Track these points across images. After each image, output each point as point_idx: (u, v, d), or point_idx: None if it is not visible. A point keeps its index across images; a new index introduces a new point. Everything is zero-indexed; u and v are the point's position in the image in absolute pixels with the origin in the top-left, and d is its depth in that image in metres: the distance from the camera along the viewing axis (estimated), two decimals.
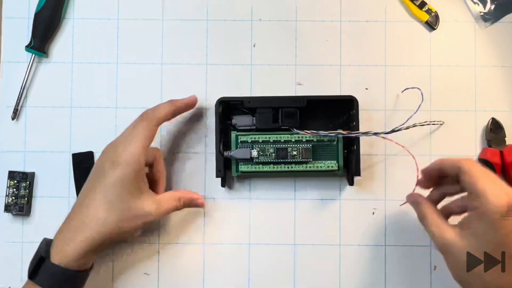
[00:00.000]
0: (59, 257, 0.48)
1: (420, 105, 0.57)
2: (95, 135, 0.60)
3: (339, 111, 0.59)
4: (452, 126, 0.60)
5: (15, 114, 0.59)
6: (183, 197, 0.54)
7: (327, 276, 0.58)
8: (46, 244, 0.49)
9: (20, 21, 0.61)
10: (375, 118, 0.60)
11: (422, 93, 0.57)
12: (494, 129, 0.59)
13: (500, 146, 0.59)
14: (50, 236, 0.51)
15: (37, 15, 0.59)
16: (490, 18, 0.61)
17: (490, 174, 0.44)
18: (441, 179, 0.50)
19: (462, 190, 0.47)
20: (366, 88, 0.60)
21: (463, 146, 0.60)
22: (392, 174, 0.59)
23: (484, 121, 0.60)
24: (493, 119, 0.59)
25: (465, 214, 0.45)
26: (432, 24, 0.60)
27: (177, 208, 0.54)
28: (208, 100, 0.59)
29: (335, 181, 0.59)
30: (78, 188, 0.58)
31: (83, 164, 0.59)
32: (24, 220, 0.59)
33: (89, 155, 0.59)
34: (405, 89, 0.59)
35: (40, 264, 0.48)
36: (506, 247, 0.42)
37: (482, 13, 0.61)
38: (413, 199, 0.50)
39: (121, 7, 0.61)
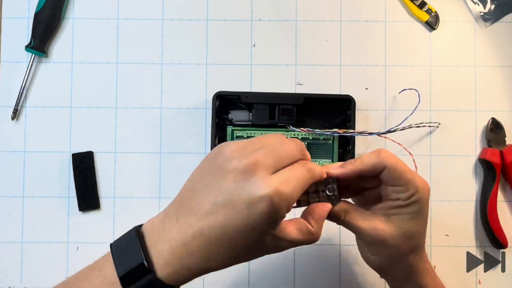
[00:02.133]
0: (170, 276, 0.38)
1: (416, 106, 0.57)
2: (95, 135, 0.60)
3: (337, 111, 0.59)
4: (452, 126, 0.60)
5: (15, 114, 0.59)
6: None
7: (327, 276, 0.58)
8: (140, 238, 0.38)
9: (20, 21, 0.60)
10: (375, 118, 0.60)
11: (419, 94, 0.57)
12: (494, 129, 0.59)
13: (500, 146, 0.59)
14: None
15: (37, 15, 0.59)
16: (490, 18, 0.61)
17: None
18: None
19: (379, 182, 0.45)
20: (366, 88, 0.60)
21: (463, 146, 0.60)
22: None
23: (484, 121, 0.60)
24: (493, 119, 0.59)
25: (383, 204, 0.44)
26: (432, 24, 0.60)
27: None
28: (208, 101, 0.59)
29: None
30: (78, 188, 0.58)
31: (83, 164, 0.59)
32: (24, 220, 0.59)
33: (89, 155, 0.59)
34: (402, 90, 0.59)
35: (139, 272, 0.37)
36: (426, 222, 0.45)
37: (482, 13, 0.61)
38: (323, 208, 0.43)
39: (121, 7, 0.61)
